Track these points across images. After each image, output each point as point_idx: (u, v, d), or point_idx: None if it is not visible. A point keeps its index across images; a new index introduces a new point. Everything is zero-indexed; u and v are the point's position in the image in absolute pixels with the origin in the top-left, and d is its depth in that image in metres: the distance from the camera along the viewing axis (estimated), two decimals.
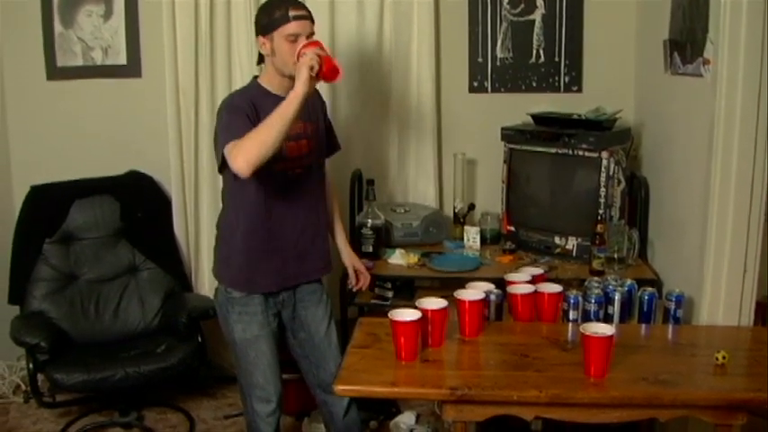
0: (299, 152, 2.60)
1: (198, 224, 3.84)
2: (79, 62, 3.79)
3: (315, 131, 2.67)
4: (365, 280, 2.94)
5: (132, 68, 3.80)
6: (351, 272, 2.93)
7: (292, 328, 2.79)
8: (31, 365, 3.23)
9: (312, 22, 2.51)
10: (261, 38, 2.51)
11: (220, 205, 3.73)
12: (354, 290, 2.99)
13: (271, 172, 2.48)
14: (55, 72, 3.80)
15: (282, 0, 2.48)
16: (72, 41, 3.77)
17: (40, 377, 3.27)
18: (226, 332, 2.73)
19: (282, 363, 2.75)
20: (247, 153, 2.29)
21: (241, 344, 2.66)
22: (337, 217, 2.94)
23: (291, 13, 2.45)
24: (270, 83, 2.56)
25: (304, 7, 2.52)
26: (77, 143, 3.85)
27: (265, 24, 2.49)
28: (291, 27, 2.45)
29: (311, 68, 2.32)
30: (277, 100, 2.39)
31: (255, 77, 2.64)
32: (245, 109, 2.45)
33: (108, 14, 3.76)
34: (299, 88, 2.32)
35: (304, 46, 2.42)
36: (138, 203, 3.78)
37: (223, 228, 2.74)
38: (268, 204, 2.58)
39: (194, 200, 3.80)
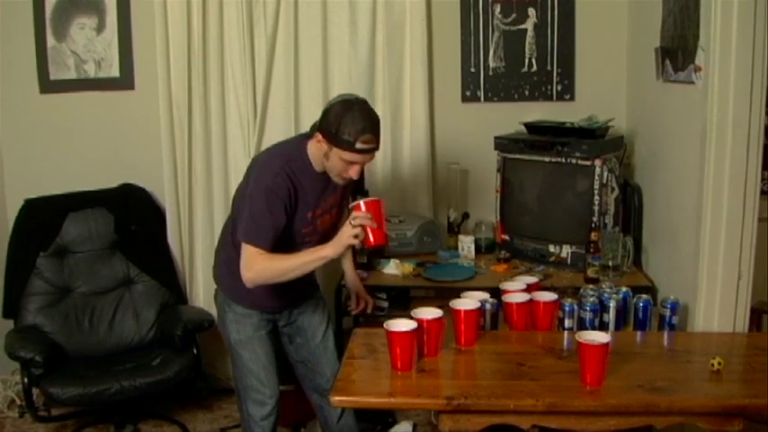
0: (331, 222, 2.60)
1: (192, 236, 3.83)
2: (72, 75, 3.80)
3: (344, 194, 2.66)
4: (366, 305, 2.94)
5: (125, 81, 3.80)
6: (353, 297, 2.94)
7: (289, 333, 2.81)
8: (25, 380, 3.22)
9: (376, 150, 2.43)
10: (319, 134, 2.39)
11: (214, 217, 3.78)
12: (354, 313, 2.99)
13: (303, 241, 2.53)
14: (48, 85, 3.81)
15: (359, 120, 2.33)
16: (65, 54, 3.78)
17: (34, 391, 3.27)
18: (223, 333, 2.76)
19: (279, 373, 2.76)
20: (258, 275, 2.40)
21: (236, 345, 2.70)
22: None
23: (359, 145, 2.34)
24: (314, 156, 2.47)
25: (375, 138, 2.38)
26: (71, 156, 3.85)
27: (330, 133, 2.35)
28: (352, 156, 2.37)
29: (355, 237, 2.32)
30: (316, 177, 2.45)
31: (303, 136, 2.55)
32: (284, 199, 2.40)
33: (101, 27, 3.76)
34: (330, 253, 2.36)
35: (356, 207, 2.36)
36: (132, 216, 3.78)
37: (227, 250, 2.68)
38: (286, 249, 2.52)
39: (188, 212, 3.79)
